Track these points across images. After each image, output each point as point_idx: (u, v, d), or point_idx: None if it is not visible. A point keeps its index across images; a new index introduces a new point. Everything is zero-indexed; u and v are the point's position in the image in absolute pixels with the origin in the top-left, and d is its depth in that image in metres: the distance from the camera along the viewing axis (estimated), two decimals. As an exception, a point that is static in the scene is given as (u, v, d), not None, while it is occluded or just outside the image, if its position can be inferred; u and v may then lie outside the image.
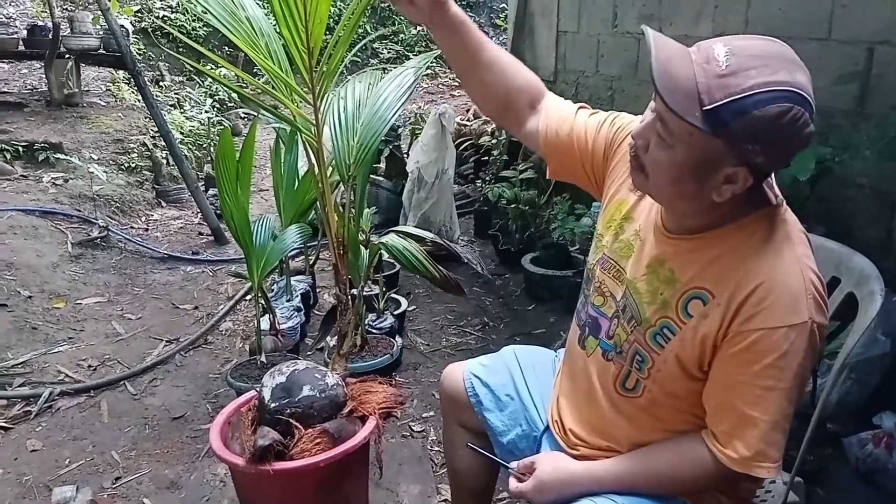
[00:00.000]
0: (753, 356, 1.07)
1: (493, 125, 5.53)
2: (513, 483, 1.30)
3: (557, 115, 1.39)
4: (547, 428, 1.47)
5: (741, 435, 1.10)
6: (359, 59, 9.08)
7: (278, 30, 1.45)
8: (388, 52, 10.09)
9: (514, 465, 1.33)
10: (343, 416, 1.43)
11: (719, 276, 1.11)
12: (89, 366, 3.03)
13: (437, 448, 2.45)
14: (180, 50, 7.37)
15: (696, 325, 1.13)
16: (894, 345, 2.21)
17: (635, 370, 1.22)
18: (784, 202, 1.16)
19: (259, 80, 1.60)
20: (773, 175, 1.14)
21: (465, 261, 1.49)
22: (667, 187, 1.13)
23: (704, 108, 0.99)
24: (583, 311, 1.38)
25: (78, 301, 3.58)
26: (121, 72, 6.45)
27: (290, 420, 1.36)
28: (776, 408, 1.08)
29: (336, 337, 1.60)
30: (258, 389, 1.44)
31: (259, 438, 1.32)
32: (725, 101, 0.98)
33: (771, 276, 1.06)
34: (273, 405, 1.39)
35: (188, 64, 1.45)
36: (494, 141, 4.97)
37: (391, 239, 1.51)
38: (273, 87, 1.55)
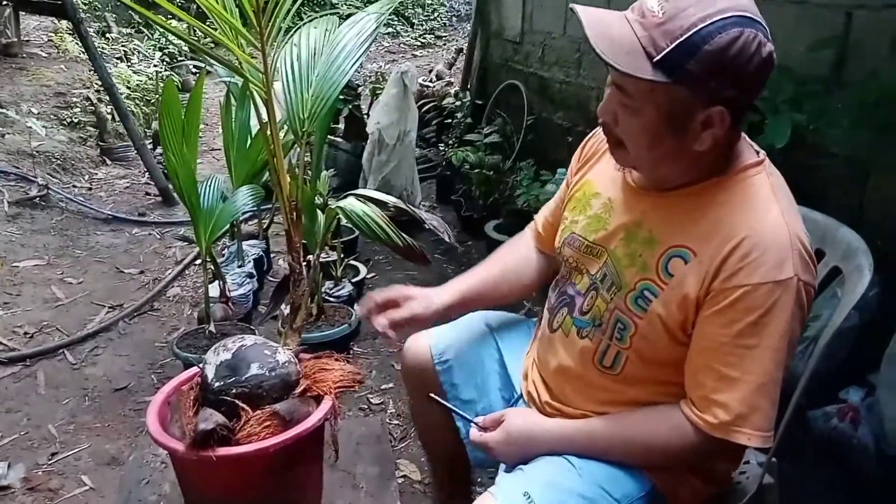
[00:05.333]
0: (735, 314, 1.02)
1: (457, 87, 5.37)
2: (475, 432, 1.25)
3: (550, 241, 1.45)
4: (520, 397, 1.42)
5: (720, 398, 1.05)
6: (316, 14, 8.79)
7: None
8: (348, 8, 9.78)
9: (479, 419, 1.28)
10: (295, 396, 1.31)
11: (700, 232, 1.07)
12: (25, 333, 2.88)
13: (396, 422, 2.37)
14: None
15: (677, 284, 1.08)
16: (862, 318, 2.18)
17: (616, 342, 1.16)
18: (766, 157, 1.13)
19: (214, 30, 1.44)
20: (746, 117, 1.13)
21: (431, 228, 1.38)
22: (647, 153, 1.11)
23: (654, 60, 0.99)
24: (553, 295, 1.34)
25: (14, 264, 3.41)
26: (64, 21, 6.10)
27: (237, 401, 1.25)
28: (759, 368, 1.02)
29: (289, 307, 1.48)
30: (201, 367, 1.31)
31: (201, 422, 1.20)
32: (672, 46, 0.98)
33: (755, 231, 1.02)
34: (217, 384, 1.26)
35: (136, 11, 1.29)
36: (458, 103, 4.82)
37: (350, 203, 1.38)
38: (220, 33, 1.40)
